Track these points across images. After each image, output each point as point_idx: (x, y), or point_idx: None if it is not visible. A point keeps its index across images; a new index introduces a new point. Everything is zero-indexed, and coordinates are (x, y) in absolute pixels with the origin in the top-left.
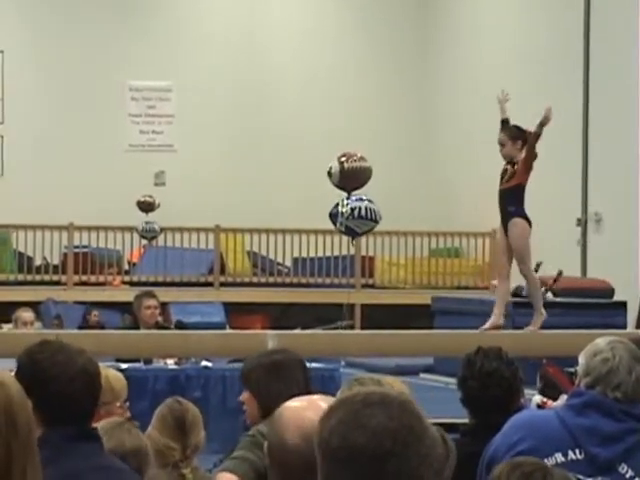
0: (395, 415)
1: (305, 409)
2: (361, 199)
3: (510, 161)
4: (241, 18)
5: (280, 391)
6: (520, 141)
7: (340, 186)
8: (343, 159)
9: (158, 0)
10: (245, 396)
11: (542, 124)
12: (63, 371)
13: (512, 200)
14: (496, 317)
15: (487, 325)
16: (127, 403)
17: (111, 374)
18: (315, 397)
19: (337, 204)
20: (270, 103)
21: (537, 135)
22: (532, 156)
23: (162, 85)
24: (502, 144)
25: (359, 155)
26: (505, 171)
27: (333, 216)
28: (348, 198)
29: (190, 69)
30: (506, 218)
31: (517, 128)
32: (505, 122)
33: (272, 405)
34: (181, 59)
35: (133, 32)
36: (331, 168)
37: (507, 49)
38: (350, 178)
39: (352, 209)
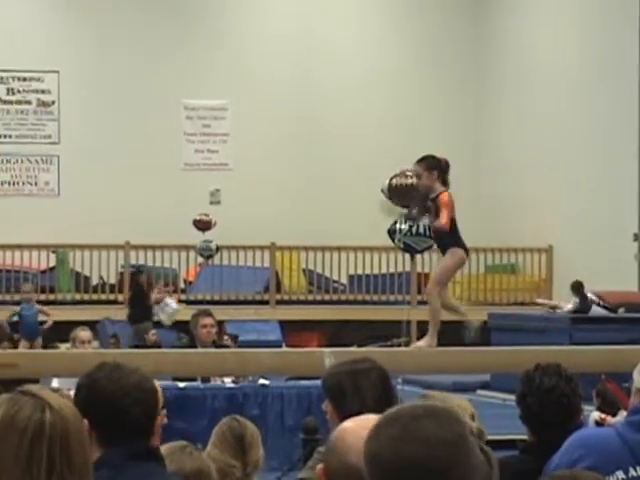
0: (445, 425)
1: (365, 429)
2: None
3: (428, 195)
4: (297, 36)
5: (355, 401)
6: (436, 171)
7: (395, 202)
8: (394, 176)
9: (212, 20)
10: (326, 404)
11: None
12: (117, 388)
13: (445, 236)
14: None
15: (421, 343)
16: (164, 410)
17: None
18: (371, 417)
19: (396, 221)
20: (327, 120)
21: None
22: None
23: (217, 104)
24: (418, 175)
25: (415, 172)
26: (429, 209)
27: (391, 233)
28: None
29: (245, 88)
30: (445, 248)
31: (433, 158)
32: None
33: (348, 414)
34: (236, 78)
35: (188, 51)
36: (382, 186)
37: (562, 65)
38: (402, 195)
39: (410, 226)
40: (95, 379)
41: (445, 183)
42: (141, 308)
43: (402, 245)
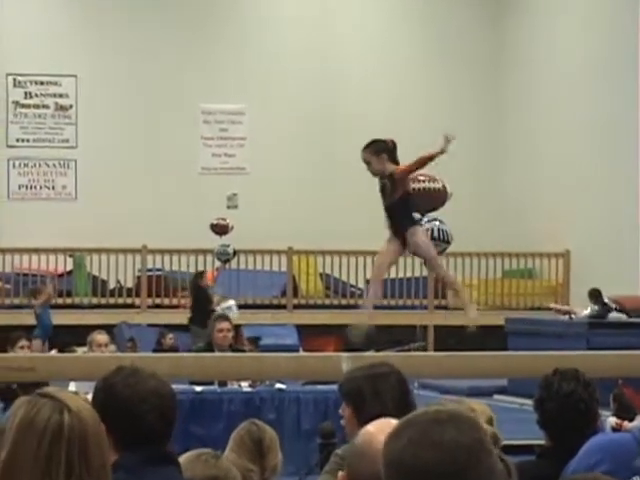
0: (466, 430)
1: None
2: (433, 220)
3: (383, 176)
4: (313, 40)
5: (375, 405)
6: (384, 154)
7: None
8: (415, 182)
9: (230, 24)
10: (343, 409)
11: (442, 151)
12: (134, 393)
13: (404, 211)
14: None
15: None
16: None
17: None
18: (392, 421)
19: None
20: (343, 124)
21: (432, 158)
22: (416, 169)
23: (234, 108)
24: (367, 162)
25: (429, 176)
26: (384, 186)
27: None
28: (420, 220)
29: (262, 92)
30: (401, 229)
31: (378, 141)
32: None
33: (368, 419)
34: (253, 82)
35: (205, 56)
36: None
37: (581, 66)
38: (423, 200)
39: (431, 230)
40: (112, 384)
41: (394, 162)
42: (204, 312)
43: None
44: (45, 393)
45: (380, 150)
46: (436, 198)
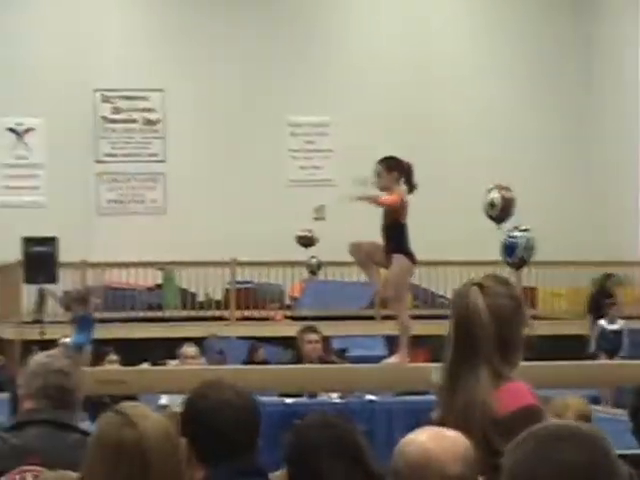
0: (584, 450)
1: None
2: (525, 229)
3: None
4: (398, 51)
5: None
6: (396, 172)
7: (497, 217)
8: (503, 190)
9: (315, 36)
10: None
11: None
12: (209, 406)
13: (392, 236)
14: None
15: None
16: None
17: None
18: (445, 431)
19: (512, 236)
20: (429, 135)
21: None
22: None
23: (320, 120)
24: (378, 174)
25: (503, 186)
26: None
27: (510, 248)
28: (519, 229)
29: (348, 104)
30: (388, 251)
31: (393, 159)
32: None
33: None
34: (339, 94)
35: (292, 68)
36: (494, 199)
37: None
38: (507, 209)
39: (527, 239)
40: (193, 398)
41: (410, 186)
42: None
43: (517, 260)
44: (118, 409)
45: (392, 167)
46: (514, 207)
